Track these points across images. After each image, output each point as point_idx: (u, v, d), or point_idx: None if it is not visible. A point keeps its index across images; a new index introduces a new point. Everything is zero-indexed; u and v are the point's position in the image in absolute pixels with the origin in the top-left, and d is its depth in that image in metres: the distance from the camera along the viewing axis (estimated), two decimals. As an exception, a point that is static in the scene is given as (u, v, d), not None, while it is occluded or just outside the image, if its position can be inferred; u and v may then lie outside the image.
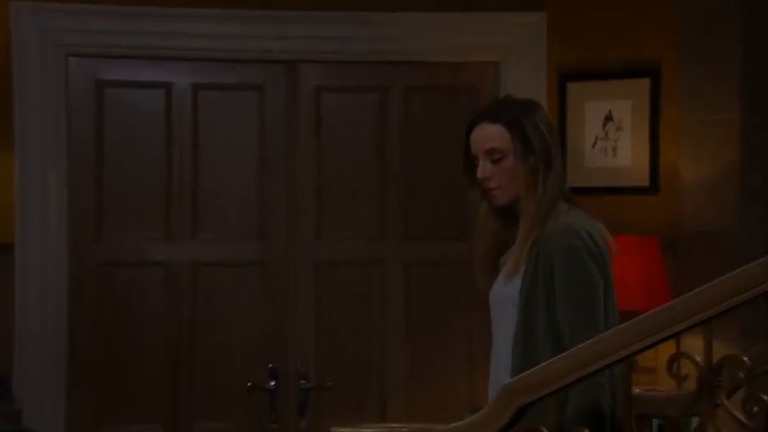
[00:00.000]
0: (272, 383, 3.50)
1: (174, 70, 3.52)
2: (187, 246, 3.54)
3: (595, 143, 3.53)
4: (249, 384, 3.47)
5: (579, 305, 2.20)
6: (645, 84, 3.47)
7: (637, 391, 2.00)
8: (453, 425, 1.92)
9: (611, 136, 3.52)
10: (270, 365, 3.50)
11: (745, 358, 1.72)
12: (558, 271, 2.21)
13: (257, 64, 3.53)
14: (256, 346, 3.52)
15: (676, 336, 1.74)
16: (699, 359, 1.76)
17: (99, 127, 3.50)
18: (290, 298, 3.55)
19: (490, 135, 2.28)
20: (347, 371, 3.53)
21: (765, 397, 1.71)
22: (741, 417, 1.72)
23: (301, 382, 3.51)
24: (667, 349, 1.85)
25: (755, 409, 1.71)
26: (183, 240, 3.54)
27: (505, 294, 2.29)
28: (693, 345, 1.83)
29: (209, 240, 3.55)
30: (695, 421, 2.23)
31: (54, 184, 3.43)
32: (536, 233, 2.25)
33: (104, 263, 3.51)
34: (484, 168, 2.29)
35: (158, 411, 3.49)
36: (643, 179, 3.46)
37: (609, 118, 3.53)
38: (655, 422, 2.52)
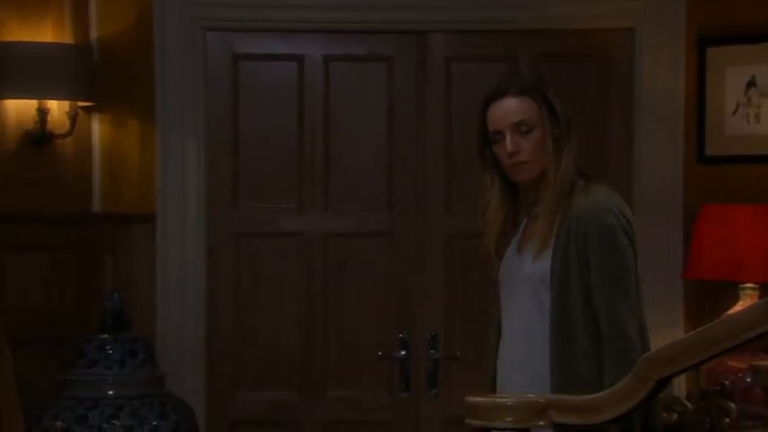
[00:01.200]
0: (403, 353, 3.53)
1: (306, 43, 3.57)
2: (319, 216, 3.59)
3: (736, 110, 3.41)
4: (380, 354, 3.52)
5: (617, 282, 2.21)
6: (790, 47, 3.34)
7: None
8: (591, 396, 1.90)
9: (754, 102, 3.39)
10: (400, 335, 3.54)
11: None
12: (593, 249, 2.20)
13: (387, 35, 3.54)
14: (386, 316, 3.55)
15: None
16: None
17: (235, 99, 3.59)
18: (419, 269, 3.57)
19: (519, 107, 2.25)
20: (477, 342, 3.54)
21: None
22: None
23: (431, 352, 3.53)
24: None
25: None
26: (315, 211, 3.59)
27: (531, 272, 2.27)
28: None
29: (340, 211, 3.60)
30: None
31: (193, 155, 3.53)
32: (563, 208, 2.24)
33: (240, 233, 3.60)
34: (513, 142, 2.25)
35: (292, 379, 3.57)
36: (788, 147, 3.35)
37: (752, 83, 3.40)
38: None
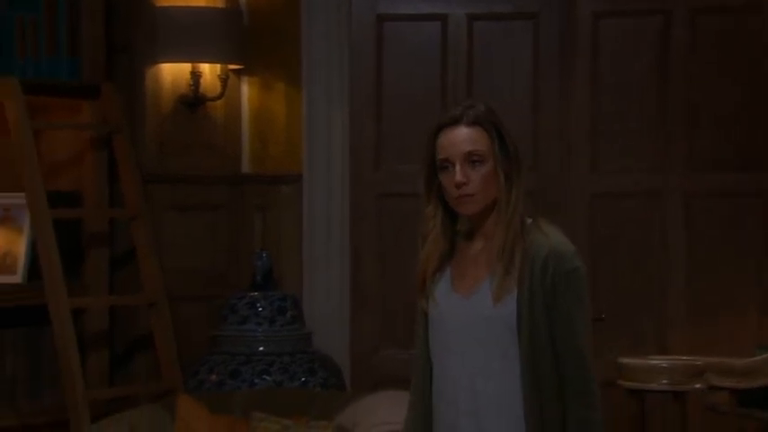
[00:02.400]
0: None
1: (450, 2, 3.56)
2: (462, 177, 3.61)
3: None
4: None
5: (584, 332, 2.09)
6: None
7: None
8: (751, 359, 1.88)
9: None
10: (544, 296, 3.54)
11: None
12: (562, 296, 2.08)
13: (533, -8, 3.53)
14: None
15: None
16: None
17: (379, 60, 3.62)
18: (564, 229, 3.54)
19: (471, 137, 2.14)
20: (623, 303, 3.51)
21: None
22: None
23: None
24: None
25: None
26: (459, 171, 3.61)
27: (492, 315, 2.12)
28: None
29: (483, 171, 3.61)
30: None
31: (337, 116, 3.59)
32: (519, 247, 2.11)
33: (383, 193, 3.65)
34: (462, 172, 2.12)
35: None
36: None
37: None
38: None
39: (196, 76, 3.51)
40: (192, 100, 3.54)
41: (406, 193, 3.64)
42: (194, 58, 3.48)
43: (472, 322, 2.14)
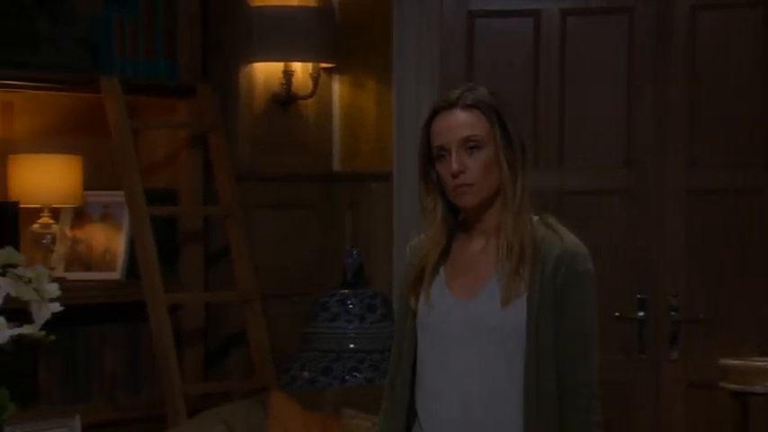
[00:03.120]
0: (641, 314, 3.49)
1: (543, -3, 3.56)
2: (554, 174, 3.59)
3: None
4: (617, 314, 3.49)
5: (591, 331, 1.99)
6: None
7: None
8: None
9: None
10: (638, 296, 3.49)
11: None
12: (572, 297, 1.96)
13: (628, -15, 3.49)
14: (623, 276, 3.50)
15: None
16: None
17: (469, 57, 3.60)
18: (659, 227, 3.50)
19: (467, 121, 1.97)
20: (722, 303, 3.45)
21: None
22: None
23: (672, 313, 3.47)
24: None
25: None
26: (550, 168, 3.59)
27: (500, 321, 1.96)
28: None
29: (575, 168, 3.57)
30: None
31: (426, 112, 3.59)
32: (529, 243, 1.96)
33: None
34: (458, 160, 1.95)
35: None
36: None
37: None
38: None
39: (288, 74, 3.55)
40: (285, 98, 3.59)
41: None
42: (287, 56, 3.52)
43: (474, 328, 1.98)
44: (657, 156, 3.50)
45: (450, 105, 2.01)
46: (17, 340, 2.67)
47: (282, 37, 3.47)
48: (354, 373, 3.38)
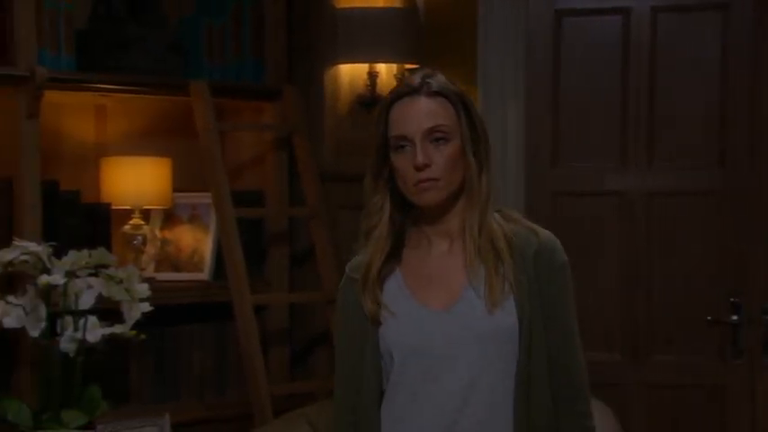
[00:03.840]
0: (734, 318, 3.44)
1: (633, -6, 3.52)
2: (643, 174, 3.55)
3: None
4: (709, 318, 3.45)
5: (574, 326, 1.88)
6: None
7: None
8: None
9: None
10: (731, 299, 3.45)
11: None
12: (554, 294, 1.84)
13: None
14: (716, 279, 3.44)
15: None
16: None
17: (556, 56, 3.59)
18: (752, 230, 3.44)
19: (433, 110, 1.80)
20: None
21: None
22: None
23: (766, 317, 3.41)
24: None
25: None
26: (639, 169, 3.55)
27: (491, 328, 1.79)
28: None
29: (665, 169, 3.53)
30: None
31: (513, 114, 3.59)
32: (502, 240, 1.82)
33: (559, 191, 3.63)
34: (423, 152, 1.77)
35: (615, 340, 3.56)
36: None
37: None
38: None
39: (373, 76, 3.59)
40: (369, 100, 3.62)
41: (584, 192, 3.61)
42: (372, 58, 3.56)
43: (459, 340, 1.79)
44: (752, 156, 3.44)
45: (413, 91, 1.82)
46: (109, 339, 2.76)
47: (367, 38, 3.51)
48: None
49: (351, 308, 1.86)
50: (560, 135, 3.61)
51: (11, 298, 2.66)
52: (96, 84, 3.02)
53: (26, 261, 2.67)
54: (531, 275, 1.82)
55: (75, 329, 2.69)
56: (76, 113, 3.20)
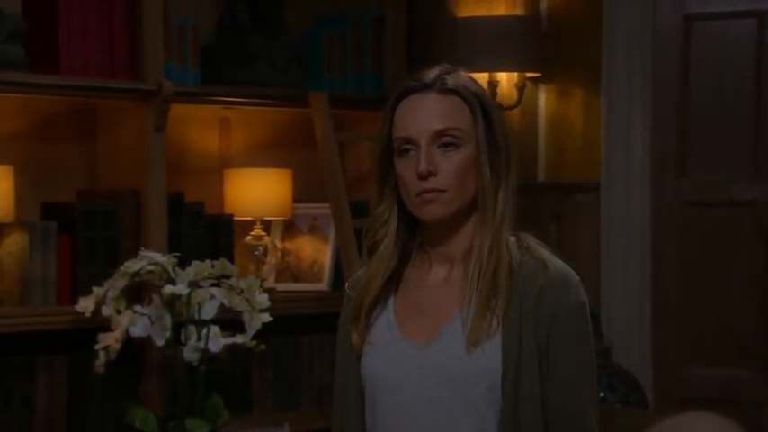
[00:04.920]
0: None
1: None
2: (776, 185, 3.49)
3: None
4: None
5: (590, 385, 1.58)
6: None
7: None
8: None
9: None
10: None
11: None
12: (561, 338, 1.56)
13: None
14: None
15: None
16: None
17: (684, 62, 3.52)
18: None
19: (444, 110, 1.56)
20: None
21: None
22: None
23: None
24: None
25: None
26: (772, 180, 3.49)
27: (467, 370, 1.53)
28: None
29: (800, 179, 3.47)
30: None
31: (639, 122, 3.56)
32: (505, 271, 1.56)
33: (688, 201, 3.58)
34: (429, 158, 1.54)
35: (749, 356, 3.49)
36: None
37: None
38: None
39: (493, 85, 3.61)
40: (489, 109, 3.65)
41: (713, 203, 3.54)
42: (492, 67, 3.58)
43: (433, 380, 1.56)
44: None
45: (425, 87, 1.60)
46: (230, 349, 2.85)
47: (488, 47, 3.52)
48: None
49: (344, 331, 1.70)
50: (688, 143, 3.56)
51: (137, 307, 2.77)
52: (221, 97, 3.12)
53: (152, 271, 2.77)
54: (530, 315, 1.54)
55: (198, 339, 2.79)
56: (201, 126, 3.31)
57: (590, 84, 3.62)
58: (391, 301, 1.63)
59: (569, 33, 3.65)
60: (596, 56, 3.56)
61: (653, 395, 3.53)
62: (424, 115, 1.58)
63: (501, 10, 3.63)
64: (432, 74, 1.62)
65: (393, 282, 1.64)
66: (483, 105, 1.60)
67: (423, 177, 1.57)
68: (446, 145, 1.58)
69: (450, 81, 1.61)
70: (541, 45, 3.62)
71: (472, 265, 1.57)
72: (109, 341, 2.70)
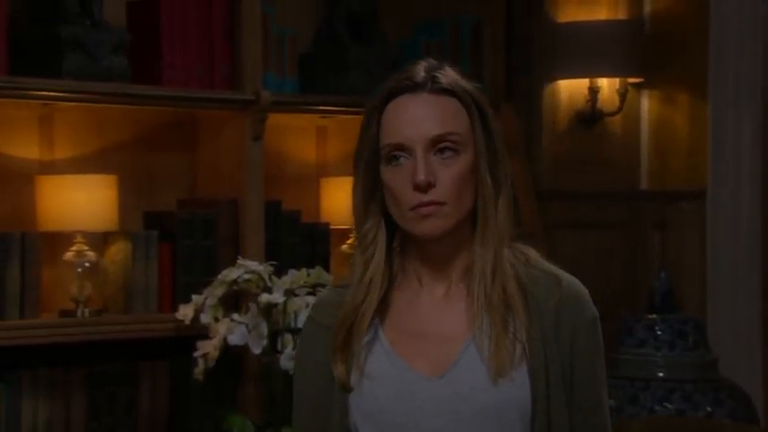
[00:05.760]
0: None
1: None
2: None
3: None
4: None
5: (604, 396, 1.49)
6: None
7: None
8: None
9: None
10: None
11: None
12: (585, 352, 1.46)
13: None
14: None
15: None
16: None
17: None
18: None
19: (441, 113, 1.42)
20: None
21: None
22: None
23: None
24: None
25: None
26: None
27: (493, 401, 1.41)
28: None
29: None
30: None
31: (748, 127, 3.51)
32: (514, 287, 1.44)
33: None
34: (425, 167, 1.40)
35: None
36: None
37: None
38: None
39: (594, 91, 3.61)
40: (589, 116, 3.64)
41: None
42: (593, 73, 3.58)
43: (452, 415, 1.43)
44: None
45: (416, 87, 1.45)
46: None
47: (588, 53, 3.52)
48: (664, 404, 3.37)
49: (312, 362, 1.51)
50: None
51: (235, 316, 2.85)
52: (318, 105, 3.19)
53: (249, 280, 2.85)
54: (551, 335, 1.44)
55: (294, 347, 2.85)
56: (298, 135, 3.38)
57: (695, 87, 3.59)
58: (378, 326, 1.47)
59: (674, 36, 3.62)
60: (702, 59, 3.52)
61: (763, 410, 3.48)
62: (419, 119, 1.44)
63: (602, 14, 3.63)
64: (420, 71, 1.46)
65: (380, 305, 1.48)
66: (479, 106, 1.46)
67: (421, 189, 1.43)
68: (443, 151, 1.44)
69: (444, 79, 1.46)
70: (644, 49, 3.61)
71: (476, 283, 1.45)
72: (207, 349, 2.79)
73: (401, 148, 1.44)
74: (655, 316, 3.48)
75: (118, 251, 2.87)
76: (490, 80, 3.50)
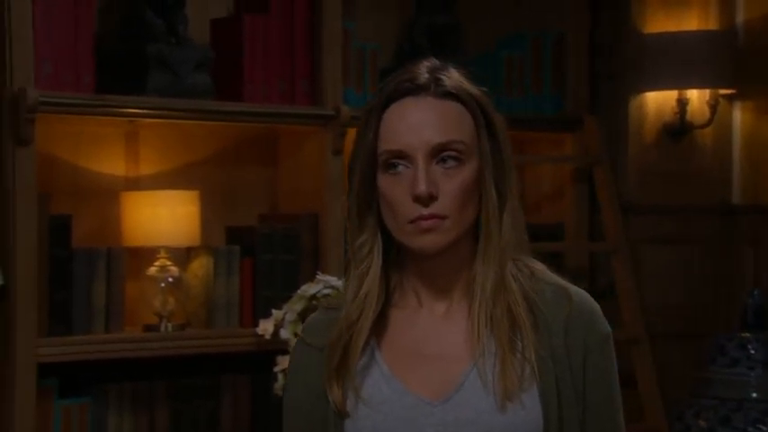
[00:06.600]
0: None
1: None
2: None
3: None
4: None
5: (619, 417, 1.42)
6: None
7: None
8: None
9: None
10: None
11: None
12: (599, 371, 1.39)
13: None
14: None
15: None
16: None
17: None
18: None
19: (445, 119, 1.35)
20: None
21: None
22: None
23: None
24: None
25: None
26: None
27: (503, 426, 1.35)
28: None
29: None
30: None
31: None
32: (520, 302, 1.37)
33: None
34: (427, 177, 1.33)
35: None
36: None
37: None
38: None
39: (682, 103, 3.60)
40: (678, 128, 3.63)
41: None
42: (681, 84, 3.56)
43: None
44: None
45: (418, 90, 1.37)
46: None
47: (677, 64, 3.51)
48: (758, 425, 3.34)
49: (303, 386, 1.45)
50: None
51: (315, 331, 2.94)
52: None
53: (328, 295, 2.92)
54: (561, 352, 1.38)
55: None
56: (378, 149, 3.46)
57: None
58: (375, 347, 1.41)
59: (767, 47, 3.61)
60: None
61: None
62: (421, 125, 1.37)
63: (693, 24, 3.61)
64: (423, 72, 1.39)
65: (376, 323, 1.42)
66: (484, 111, 1.39)
67: (421, 201, 1.36)
68: (445, 161, 1.37)
69: (448, 82, 1.39)
70: (737, 60, 3.59)
71: (476, 302, 1.38)
72: (287, 364, 2.87)
73: (401, 155, 1.37)
74: (748, 334, 3.46)
75: (200, 266, 2.97)
76: (573, 93, 3.53)
